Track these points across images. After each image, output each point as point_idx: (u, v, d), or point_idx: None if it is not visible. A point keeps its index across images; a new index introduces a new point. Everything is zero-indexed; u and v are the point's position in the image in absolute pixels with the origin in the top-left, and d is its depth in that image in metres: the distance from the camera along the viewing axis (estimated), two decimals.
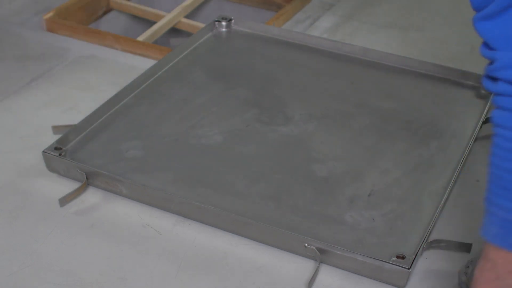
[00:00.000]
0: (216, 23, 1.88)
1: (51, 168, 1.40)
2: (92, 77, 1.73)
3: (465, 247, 1.23)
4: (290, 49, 1.81)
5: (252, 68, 1.74)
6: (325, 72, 1.73)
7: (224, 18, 1.88)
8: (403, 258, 1.17)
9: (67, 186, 1.36)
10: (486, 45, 1.01)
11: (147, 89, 1.64)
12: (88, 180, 1.36)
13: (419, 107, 1.60)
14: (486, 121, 1.55)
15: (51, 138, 1.44)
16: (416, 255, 1.18)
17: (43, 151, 1.39)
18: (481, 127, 1.53)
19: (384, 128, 1.53)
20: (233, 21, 1.88)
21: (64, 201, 1.33)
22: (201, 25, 2.01)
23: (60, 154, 1.39)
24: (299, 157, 1.44)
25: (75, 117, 1.53)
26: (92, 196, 1.36)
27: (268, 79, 1.69)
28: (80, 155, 1.42)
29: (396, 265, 1.16)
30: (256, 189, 1.35)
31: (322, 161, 1.43)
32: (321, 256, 1.20)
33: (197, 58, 1.77)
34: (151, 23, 2.14)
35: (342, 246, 1.19)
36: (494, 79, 0.97)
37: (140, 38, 1.94)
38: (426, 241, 1.21)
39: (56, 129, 1.46)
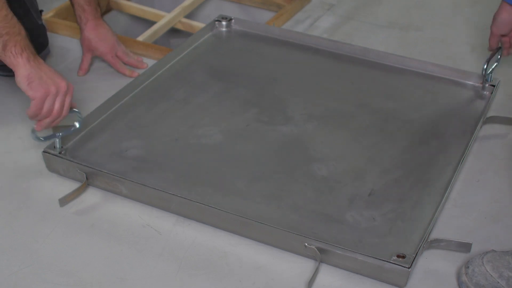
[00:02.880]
0: (216, 23, 1.88)
1: (51, 168, 1.40)
2: (92, 77, 1.72)
3: (465, 247, 1.23)
4: (290, 49, 1.81)
5: (252, 67, 1.74)
6: (325, 72, 1.73)
7: (224, 18, 1.88)
8: (403, 257, 1.17)
9: (67, 186, 1.36)
10: None
11: (147, 89, 1.64)
12: (88, 180, 1.36)
13: (419, 107, 1.60)
14: (486, 121, 1.55)
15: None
16: (416, 254, 1.18)
17: (43, 151, 1.39)
18: (481, 127, 1.53)
19: (384, 128, 1.53)
20: (233, 21, 1.88)
21: (64, 201, 1.33)
22: (201, 25, 2.01)
23: (60, 153, 1.39)
24: (299, 157, 1.44)
25: (72, 116, 1.53)
26: (92, 196, 1.36)
27: (268, 78, 1.69)
28: (80, 154, 1.42)
29: (396, 264, 1.16)
30: (256, 189, 1.35)
31: (322, 160, 1.42)
32: (321, 256, 1.20)
33: (197, 57, 1.77)
34: (151, 23, 2.14)
35: (342, 245, 1.19)
36: None
37: (140, 38, 1.94)
38: (426, 240, 1.21)
39: (56, 129, 1.46)
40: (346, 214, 1.29)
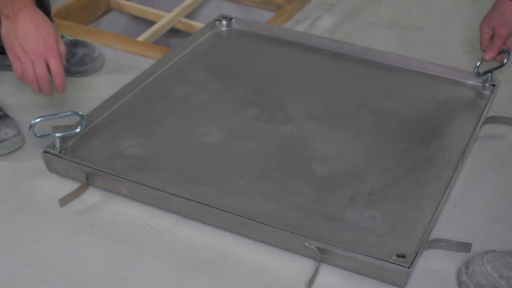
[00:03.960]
0: (217, 22, 1.88)
1: (51, 168, 1.40)
2: (92, 77, 1.72)
3: (465, 247, 1.23)
4: (290, 48, 1.81)
5: (253, 67, 1.74)
6: (325, 71, 1.73)
7: (224, 17, 1.88)
8: (403, 257, 1.17)
9: (67, 186, 1.36)
10: None
11: (147, 88, 1.64)
12: (88, 180, 1.36)
13: (420, 106, 1.60)
14: (486, 121, 1.55)
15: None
16: (416, 254, 1.18)
17: (43, 151, 1.39)
18: (481, 127, 1.53)
19: (385, 127, 1.53)
20: (233, 20, 1.88)
21: (64, 201, 1.33)
22: (201, 25, 2.01)
23: (60, 152, 1.39)
24: (299, 156, 1.44)
25: (75, 117, 1.53)
26: (92, 196, 1.36)
27: (269, 78, 1.69)
28: (80, 154, 1.42)
29: (396, 264, 1.16)
30: (257, 188, 1.35)
31: (323, 160, 1.42)
32: (321, 256, 1.20)
33: (198, 57, 1.77)
34: (151, 23, 2.14)
35: (342, 245, 1.19)
36: None
37: (140, 38, 1.94)
38: (426, 240, 1.21)
39: (56, 129, 1.46)
40: (346, 214, 1.29)
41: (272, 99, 1.62)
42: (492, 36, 1.56)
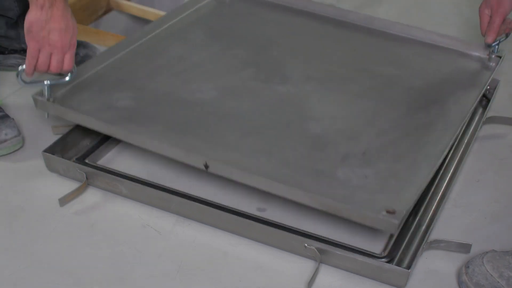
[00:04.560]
0: None
1: (51, 168, 1.40)
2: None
3: (465, 248, 1.23)
4: (294, 15, 1.77)
5: (254, 31, 1.70)
6: (328, 38, 1.69)
7: None
8: (393, 212, 1.13)
9: (67, 186, 1.36)
10: None
11: (144, 46, 1.60)
12: (88, 180, 1.36)
13: (423, 74, 1.56)
14: (486, 121, 1.55)
15: (51, 138, 1.44)
16: (416, 255, 1.17)
17: (43, 151, 1.39)
18: (481, 127, 1.53)
19: (385, 92, 1.49)
20: None
21: (64, 201, 1.33)
22: None
23: (48, 100, 1.35)
24: (294, 115, 1.41)
25: None
26: (92, 196, 1.36)
27: (269, 41, 1.65)
28: (70, 103, 1.38)
29: (396, 265, 1.15)
30: (247, 143, 1.32)
31: (318, 119, 1.39)
32: (321, 256, 1.19)
33: (198, 19, 1.72)
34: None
35: (331, 198, 1.16)
36: None
37: None
38: (426, 241, 1.21)
39: (56, 129, 1.46)
40: (337, 171, 1.25)
41: (271, 60, 1.58)
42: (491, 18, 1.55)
